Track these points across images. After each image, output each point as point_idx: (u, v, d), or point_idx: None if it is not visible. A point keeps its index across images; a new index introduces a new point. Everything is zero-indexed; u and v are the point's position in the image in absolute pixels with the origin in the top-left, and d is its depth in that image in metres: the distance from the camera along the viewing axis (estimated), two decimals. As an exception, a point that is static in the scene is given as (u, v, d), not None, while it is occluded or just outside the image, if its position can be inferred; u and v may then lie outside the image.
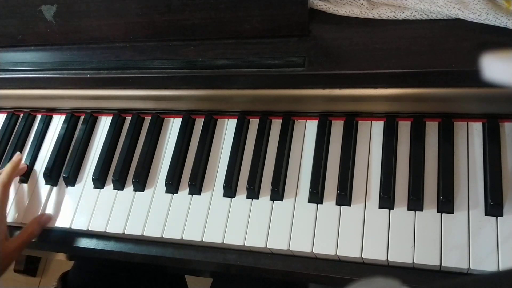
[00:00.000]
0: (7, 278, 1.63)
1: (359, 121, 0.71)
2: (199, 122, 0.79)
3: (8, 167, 0.77)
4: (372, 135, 0.70)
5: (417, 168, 0.65)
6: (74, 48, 0.79)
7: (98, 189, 0.78)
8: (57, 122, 0.87)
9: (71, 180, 0.79)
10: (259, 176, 0.71)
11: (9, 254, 0.70)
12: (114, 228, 0.73)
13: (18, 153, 0.80)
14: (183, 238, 0.69)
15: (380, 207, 0.65)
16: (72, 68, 0.77)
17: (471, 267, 0.58)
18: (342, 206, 0.66)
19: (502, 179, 0.62)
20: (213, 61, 0.71)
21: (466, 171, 0.64)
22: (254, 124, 0.76)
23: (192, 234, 0.69)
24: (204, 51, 0.72)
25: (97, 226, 0.74)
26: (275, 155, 0.72)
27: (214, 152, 0.76)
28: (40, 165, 0.83)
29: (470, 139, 0.66)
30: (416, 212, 0.63)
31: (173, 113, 0.81)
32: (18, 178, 0.83)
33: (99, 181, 0.77)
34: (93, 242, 0.76)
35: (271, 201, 0.69)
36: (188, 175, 0.73)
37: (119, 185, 0.77)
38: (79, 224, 0.75)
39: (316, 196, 0.67)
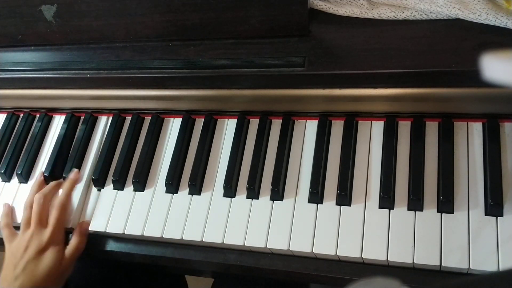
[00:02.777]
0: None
1: (359, 121, 0.71)
2: (199, 122, 0.79)
3: (67, 186, 0.76)
4: (372, 135, 0.70)
5: (417, 168, 0.65)
6: (74, 48, 0.79)
7: (98, 189, 0.78)
8: (57, 122, 0.87)
9: (71, 180, 0.79)
10: (259, 176, 0.71)
11: (65, 272, 0.72)
12: (114, 228, 0.73)
13: (76, 170, 0.78)
14: (183, 238, 0.69)
15: (380, 207, 0.65)
16: (72, 68, 0.77)
17: (471, 267, 0.58)
18: (342, 206, 0.66)
19: (502, 179, 0.62)
20: (213, 61, 0.71)
21: (466, 171, 0.64)
22: (254, 124, 0.76)
23: (192, 234, 0.69)
24: (204, 51, 0.72)
25: (97, 226, 0.74)
26: (275, 155, 0.72)
27: (214, 152, 0.76)
28: (41, 165, 0.83)
29: (470, 139, 0.66)
30: (416, 212, 0.63)
31: (173, 113, 0.81)
32: (17, 179, 0.83)
33: (99, 181, 0.77)
34: (93, 242, 0.76)
35: (271, 201, 0.69)
36: (188, 175, 0.73)
37: (119, 185, 0.77)
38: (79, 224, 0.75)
39: (316, 196, 0.67)
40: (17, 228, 0.76)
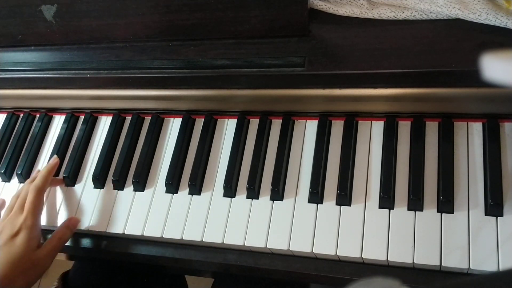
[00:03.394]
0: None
1: (359, 121, 0.71)
2: (199, 122, 0.79)
3: (43, 170, 0.74)
4: (372, 135, 0.70)
5: (417, 168, 0.65)
6: (74, 48, 0.79)
7: (98, 189, 0.78)
8: (57, 122, 0.87)
9: (71, 180, 0.79)
10: (259, 176, 0.71)
11: (41, 261, 0.68)
12: (114, 228, 0.73)
13: (55, 156, 0.77)
14: (183, 238, 0.70)
15: (380, 207, 0.65)
16: (72, 68, 0.77)
17: (471, 267, 0.58)
18: (342, 206, 0.66)
19: (502, 179, 0.62)
20: (213, 61, 0.71)
21: (466, 171, 0.64)
22: (254, 124, 0.76)
23: (192, 234, 0.69)
24: (204, 51, 0.72)
25: (97, 226, 0.74)
26: (275, 155, 0.72)
27: (214, 152, 0.76)
28: (40, 165, 0.83)
29: (470, 139, 0.66)
30: (416, 212, 0.63)
31: (173, 113, 0.81)
32: (17, 179, 0.83)
33: (99, 181, 0.77)
34: (93, 242, 0.76)
35: (271, 201, 0.69)
36: (188, 175, 0.73)
37: (119, 185, 0.77)
38: (80, 224, 0.75)
39: (316, 196, 0.67)
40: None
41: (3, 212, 0.74)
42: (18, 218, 0.69)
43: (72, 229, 0.73)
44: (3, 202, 0.79)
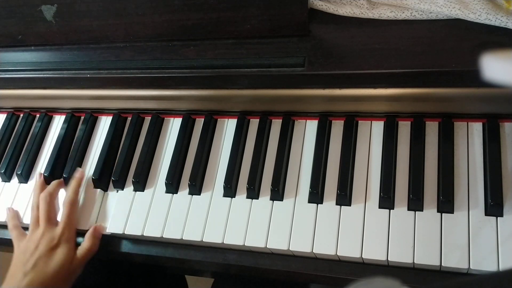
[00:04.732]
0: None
1: (359, 121, 0.71)
2: (199, 122, 0.79)
3: (74, 184, 0.76)
4: (372, 135, 0.70)
5: (417, 168, 0.65)
6: (74, 48, 0.80)
7: (98, 189, 0.78)
8: (57, 122, 0.87)
9: (71, 180, 0.79)
10: (259, 176, 0.71)
11: (76, 271, 0.72)
12: (114, 228, 0.73)
13: (79, 169, 0.79)
14: (183, 238, 0.69)
15: (380, 207, 0.65)
16: (72, 68, 0.77)
17: (471, 267, 0.58)
18: (342, 206, 0.66)
19: (502, 179, 0.62)
20: (213, 61, 0.71)
21: (466, 171, 0.64)
22: (254, 124, 0.76)
23: (192, 234, 0.69)
24: (204, 51, 0.72)
25: (97, 226, 0.74)
26: (275, 155, 0.72)
27: (214, 152, 0.76)
28: (41, 165, 0.83)
29: (470, 139, 0.66)
30: (416, 212, 0.63)
31: (173, 113, 0.81)
32: (17, 179, 0.83)
33: (99, 181, 0.77)
34: (93, 242, 0.76)
35: (271, 201, 0.69)
36: (188, 175, 0.73)
37: (119, 185, 0.77)
38: (80, 224, 0.75)
39: (316, 196, 0.67)
40: (25, 229, 0.76)
41: (30, 224, 0.74)
42: (54, 231, 0.72)
43: (99, 237, 0.74)
44: (17, 211, 0.79)
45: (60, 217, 0.74)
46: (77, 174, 0.78)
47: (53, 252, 0.70)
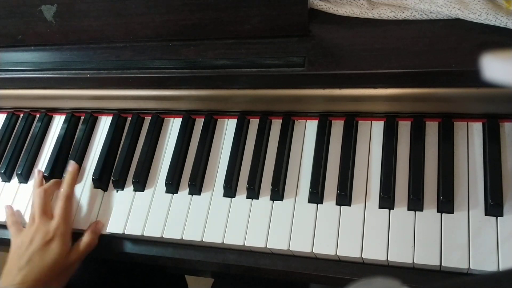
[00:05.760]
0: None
1: (359, 121, 0.71)
2: (199, 122, 0.79)
3: (68, 178, 0.76)
4: (372, 135, 0.70)
5: (417, 168, 0.65)
6: (74, 48, 0.80)
7: (98, 189, 0.78)
8: (57, 122, 0.87)
9: (71, 180, 0.79)
10: (259, 176, 0.71)
11: (72, 266, 0.71)
12: (114, 228, 0.73)
13: (72, 162, 0.78)
14: (183, 238, 0.69)
15: (380, 207, 0.65)
16: (72, 68, 0.77)
17: (471, 267, 0.58)
18: (342, 206, 0.66)
19: (502, 179, 0.62)
20: (213, 61, 0.71)
21: (466, 171, 0.64)
22: (254, 124, 0.76)
23: (192, 234, 0.69)
24: (204, 51, 0.72)
25: (97, 226, 0.74)
26: (275, 155, 0.72)
27: (214, 152, 0.76)
28: (41, 165, 0.83)
29: (470, 139, 0.66)
30: (416, 212, 0.63)
31: (173, 113, 0.81)
32: (17, 179, 0.83)
33: (99, 181, 0.77)
34: (93, 242, 0.76)
35: (271, 201, 0.69)
36: (188, 175, 0.73)
37: (119, 185, 0.77)
38: (80, 224, 0.75)
39: (316, 196, 0.67)
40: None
41: (28, 220, 0.74)
42: (49, 224, 0.71)
43: (98, 233, 0.74)
44: (18, 211, 0.79)
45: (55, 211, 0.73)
46: (70, 167, 0.77)
47: (48, 246, 0.69)
